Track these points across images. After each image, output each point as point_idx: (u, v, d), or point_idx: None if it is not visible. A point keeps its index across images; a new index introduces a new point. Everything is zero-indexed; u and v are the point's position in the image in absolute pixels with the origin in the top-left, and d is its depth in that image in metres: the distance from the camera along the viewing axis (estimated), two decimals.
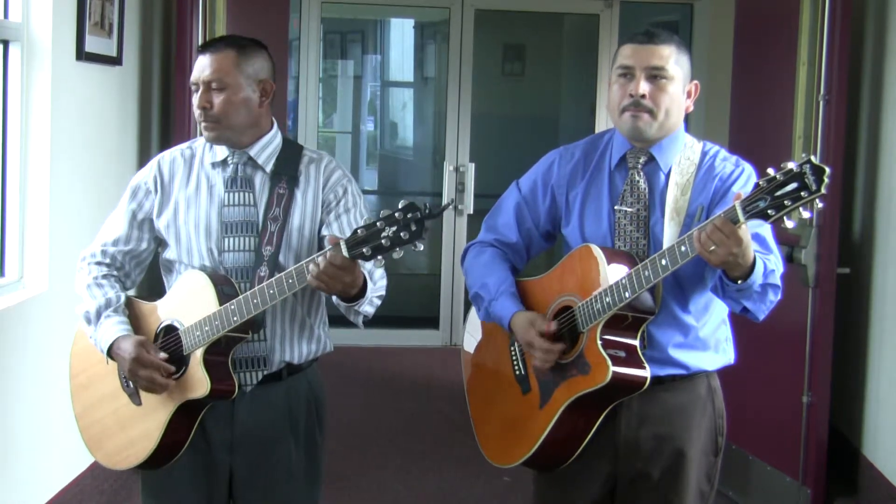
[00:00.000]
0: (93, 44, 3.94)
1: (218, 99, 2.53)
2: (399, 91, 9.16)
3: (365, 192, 8.70)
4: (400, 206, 2.23)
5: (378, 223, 2.23)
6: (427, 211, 2.21)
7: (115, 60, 4.18)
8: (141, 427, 2.55)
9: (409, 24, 8.66)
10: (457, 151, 6.78)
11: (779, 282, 2.35)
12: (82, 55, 3.87)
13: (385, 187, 8.68)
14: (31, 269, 3.70)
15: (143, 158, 4.51)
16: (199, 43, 4.36)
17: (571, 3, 7.18)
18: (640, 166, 2.50)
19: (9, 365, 3.50)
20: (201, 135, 2.66)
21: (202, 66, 2.55)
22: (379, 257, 2.25)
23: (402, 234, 2.21)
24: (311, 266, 2.31)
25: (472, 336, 2.79)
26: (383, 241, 2.22)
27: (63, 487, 3.87)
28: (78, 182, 3.94)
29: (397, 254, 2.24)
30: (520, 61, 8.18)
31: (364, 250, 2.24)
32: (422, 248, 2.24)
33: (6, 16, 3.58)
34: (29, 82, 3.64)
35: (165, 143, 4.66)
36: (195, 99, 2.55)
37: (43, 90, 3.67)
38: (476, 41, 6.75)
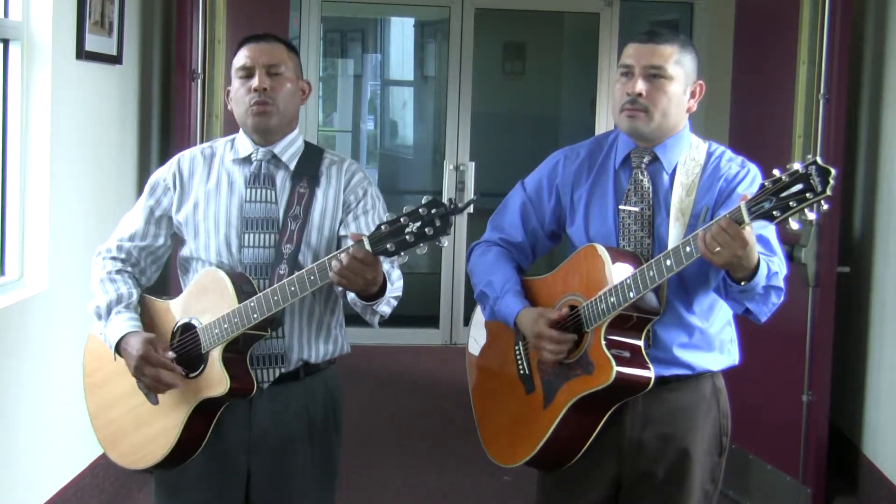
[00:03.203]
0: (93, 43, 3.94)
1: (276, 83, 2.54)
2: (399, 90, 9.17)
3: None
4: (424, 202, 2.21)
5: (402, 219, 2.22)
6: (452, 206, 2.20)
7: (116, 59, 4.18)
8: (158, 426, 2.53)
9: (409, 22, 8.67)
10: (457, 150, 6.78)
11: (782, 284, 2.35)
12: (82, 54, 3.87)
13: (385, 186, 8.68)
14: (31, 267, 3.70)
15: (143, 157, 4.51)
16: (200, 41, 4.37)
17: (572, 2, 7.18)
18: (644, 166, 2.50)
19: (9, 364, 3.50)
20: (200, 138, 2.65)
21: (258, 51, 2.56)
22: (402, 253, 2.23)
23: (426, 229, 2.20)
24: (334, 262, 2.29)
25: (476, 336, 2.79)
26: (407, 237, 2.21)
27: (64, 486, 3.87)
28: (78, 181, 3.94)
29: (421, 250, 2.22)
30: (520, 60, 8.18)
31: (388, 246, 2.23)
32: (446, 244, 2.23)
33: (6, 15, 3.58)
34: (29, 81, 3.64)
35: (165, 143, 4.66)
36: (254, 82, 2.52)
37: (43, 89, 3.66)
38: (476, 40, 6.76)
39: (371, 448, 4.90)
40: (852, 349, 4.35)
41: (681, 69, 2.45)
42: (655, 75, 2.43)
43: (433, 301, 6.86)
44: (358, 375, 6.02)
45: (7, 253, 3.66)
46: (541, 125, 8.15)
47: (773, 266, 2.32)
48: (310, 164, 2.60)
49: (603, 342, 2.37)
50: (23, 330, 3.58)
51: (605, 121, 6.79)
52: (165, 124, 4.71)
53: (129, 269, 2.65)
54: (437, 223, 2.20)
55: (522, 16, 7.66)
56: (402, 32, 8.88)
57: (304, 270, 2.37)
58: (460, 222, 6.75)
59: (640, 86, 2.43)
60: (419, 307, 7.14)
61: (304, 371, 2.61)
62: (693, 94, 2.50)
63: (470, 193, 6.63)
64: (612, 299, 2.35)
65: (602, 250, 2.42)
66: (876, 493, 4.13)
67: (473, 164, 6.67)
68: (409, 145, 8.91)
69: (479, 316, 2.74)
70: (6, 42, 3.58)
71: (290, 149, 2.61)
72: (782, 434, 4.17)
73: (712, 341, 2.51)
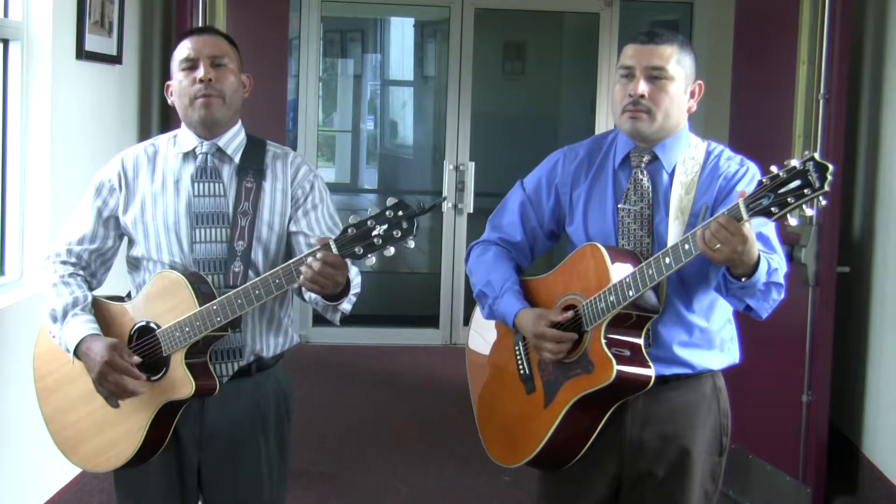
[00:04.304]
0: (93, 42, 3.94)
1: (220, 74, 2.53)
2: (399, 90, 9.16)
3: (365, 190, 8.71)
4: (389, 204, 2.22)
5: (369, 222, 2.23)
6: (420, 208, 2.21)
7: (115, 59, 4.18)
8: (121, 429, 2.52)
9: (409, 22, 8.67)
10: (457, 150, 6.78)
11: (782, 280, 2.35)
12: (82, 54, 3.87)
13: (385, 186, 8.69)
14: (31, 267, 3.70)
15: None
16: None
17: (571, 2, 7.19)
18: (643, 165, 2.50)
19: (8, 363, 3.50)
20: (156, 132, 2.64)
21: (201, 43, 2.55)
22: (370, 255, 2.24)
23: (393, 231, 2.21)
24: (304, 268, 2.30)
25: (476, 336, 2.79)
26: (375, 240, 2.22)
27: (64, 486, 3.88)
28: (77, 181, 3.94)
29: (389, 252, 2.23)
30: (520, 60, 8.18)
31: (356, 249, 2.24)
32: (413, 244, 2.23)
33: (6, 15, 3.59)
34: (29, 81, 3.64)
35: None
36: (199, 73, 2.51)
37: (43, 89, 3.67)
38: (476, 40, 6.76)
39: (371, 448, 4.90)
40: (852, 349, 4.34)
41: (681, 69, 2.46)
42: (657, 76, 2.44)
43: (433, 301, 6.86)
44: (357, 375, 6.02)
45: (7, 253, 3.66)
46: (541, 125, 8.14)
47: (774, 262, 2.32)
48: (254, 158, 2.59)
49: (603, 341, 2.37)
50: (22, 330, 3.58)
51: (605, 121, 6.79)
52: (165, 124, 4.71)
53: (81, 272, 2.63)
54: (404, 225, 2.21)
55: (522, 16, 7.66)
56: (402, 32, 8.88)
57: (268, 274, 2.37)
58: (460, 222, 6.75)
59: (643, 87, 2.43)
60: (419, 307, 7.14)
61: (255, 367, 2.61)
62: (692, 94, 2.51)
63: (470, 193, 6.63)
64: (611, 298, 2.35)
65: (601, 249, 2.42)
66: (876, 493, 4.13)
67: (473, 164, 6.67)
68: (409, 145, 8.90)
69: (478, 314, 2.74)
70: (6, 42, 3.58)
71: (233, 142, 2.60)
72: (782, 434, 4.17)
73: (712, 339, 2.51)
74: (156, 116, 4.68)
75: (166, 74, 4.69)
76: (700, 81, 2.52)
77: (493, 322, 2.67)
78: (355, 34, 8.83)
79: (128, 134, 4.42)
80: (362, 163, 8.88)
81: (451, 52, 6.77)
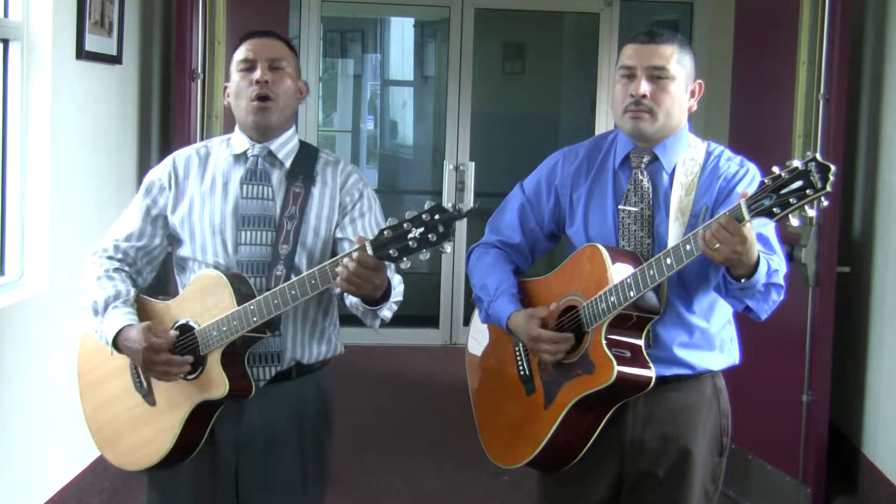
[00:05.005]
0: (93, 43, 3.94)
1: (277, 77, 2.53)
2: (399, 90, 9.17)
3: None
4: (426, 207, 2.21)
5: (405, 224, 2.21)
6: (456, 212, 2.20)
7: (116, 59, 4.18)
8: (155, 427, 2.52)
9: (409, 22, 8.67)
10: (457, 150, 6.78)
11: (782, 281, 2.35)
12: (82, 54, 3.87)
13: (385, 186, 8.69)
14: (30, 268, 3.70)
15: (143, 157, 4.51)
16: (200, 41, 4.37)
17: (571, 2, 7.19)
18: (643, 166, 2.50)
19: (9, 364, 3.50)
20: (206, 136, 2.63)
21: (261, 46, 2.55)
22: (405, 258, 2.23)
23: (429, 235, 2.20)
24: (339, 268, 2.29)
25: (476, 336, 2.79)
26: (410, 243, 2.21)
27: (64, 486, 3.88)
28: (78, 181, 3.94)
29: (424, 255, 2.22)
30: (520, 60, 8.19)
31: (390, 251, 2.23)
32: (449, 250, 2.22)
33: (6, 15, 3.58)
34: (29, 81, 3.64)
35: (165, 142, 4.67)
36: (256, 74, 2.51)
37: (43, 89, 3.67)
38: (476, 40, 6.77)
39: (371, 448, 4.90)
40: (852, 349, 4.34)
41: (682, 69, 2.46)
42: (658, 76, 2.44)
43: (433, 301, 6.86)
44: (357, 375, 6.02)
45: (7, 253, 3.66)
46: (541, 125, 8.15)
47: (773, 264, 2.32)
48: (305, 164, 2.59)
49: (604, 342, 2.36)
50: (22, 330, 3.58)
51: (604, 121, 6.79)
52: (165, 124, 4.71)
53: (126, 268, 2.63)
54: (441, 229, 2.20)
55: (522, 16, 7.66)
56: (402, 32, 8.89)
57: (304, 275, 2.36)
58: (460, 222, 6.72)
59: (644, 87, 2.43)
60: (419, 307, 7.13)
61: (296, 371, 2.60)
62: (693, 94, 2.51)
63: (470, 193, 6.63)
64: (612, 298, 2.35)
65: (602, 250, 2.42)
66: (876, 493, 4.13)
67: (473, 164, 6.67)
68: (409, 145, 8.91)
69: (478, 318, 2.74)
70: (6, 42, 3.58)
71: (286, 146, 2.60)
72: (782, 434, 4.17)
73: (713, 340, 2.51)
74: (156, 116, 4.68)
75: (166, 74, 4.71)
76: (700, 81, 2.52)
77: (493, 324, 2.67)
78: (355, 34, 8.83)
79: (128, 134, 4.41)
80: (362, 163, 8.89)
81: (451, 52, 6.77)
